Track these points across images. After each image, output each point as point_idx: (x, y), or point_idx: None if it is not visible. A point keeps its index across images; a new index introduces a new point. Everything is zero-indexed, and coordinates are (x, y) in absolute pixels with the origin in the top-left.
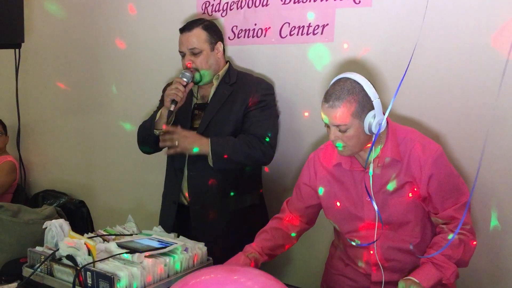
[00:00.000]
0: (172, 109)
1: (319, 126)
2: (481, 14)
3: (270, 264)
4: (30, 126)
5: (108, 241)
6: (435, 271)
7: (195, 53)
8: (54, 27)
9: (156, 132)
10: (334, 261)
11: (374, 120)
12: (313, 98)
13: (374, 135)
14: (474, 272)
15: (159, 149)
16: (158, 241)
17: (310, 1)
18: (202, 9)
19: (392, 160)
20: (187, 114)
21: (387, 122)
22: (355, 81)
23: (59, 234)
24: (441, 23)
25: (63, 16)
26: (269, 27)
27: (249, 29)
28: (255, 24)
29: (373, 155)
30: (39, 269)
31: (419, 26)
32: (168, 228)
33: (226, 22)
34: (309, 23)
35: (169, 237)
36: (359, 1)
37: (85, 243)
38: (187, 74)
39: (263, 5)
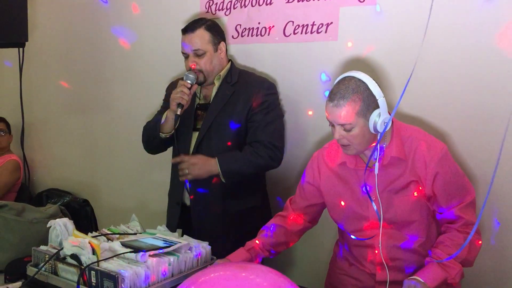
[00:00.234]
0: (178, 113)
1: (323, 125)
2: (487, 13)
3: (274, 263)
4: (34, 125)
5: (112, 240)
6: (440, 271)
7: (198, 55)
8: (57, 26)
9: (162, 135)
10: (338, 260)
11: (379, 119)
12: (317, 97)
13: (379, 134)
14: (479, 271)
15: (164, 149)
16: (162, 240)
17: None
18: (206, 8)
19: (396, 159)
20: (190, 115)
21: (392, 121)
22: (359, 80)
23: (63, 233)
24: (446, 22)
25: (66, 15)
26: (273, 26)
27: (252, 28)
28: (259, 23)
29: (378, 154)
30: (43, 268)
31: (424, 24)
32: (173, 228)
33: (229, 21)
34: (313, 22)
35: (173, 236)
36: (363, 0)
37: (89, 242)
38: (191, 76)
39: (267, 4)
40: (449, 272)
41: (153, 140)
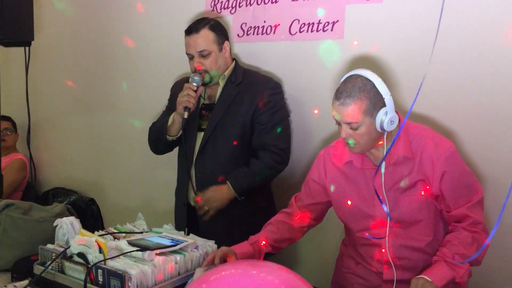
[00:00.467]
0: (185, 116)
1: (328, 123)
2: (496, 11)
3: (279, 261)
4: (39, 124)
5: (118, 239)
6: (448, 270)
7: (204, 55)
8: (63, 25)
9: (169, 138)
10: (345, 259)
11: (386, 117)
12: (323, 95)
13: (386, 133)
14: (487, 270)
15: (170, 149)
16: (169, 239)
17: None
18: (211, 7)
19: (404, 157)
20: (194, 115)
21: (399, 120)
22: (366, 78)
23: (70, 232)
24: (455, 20)
25: (72, 14)
26: (279, 24)
27: (258, 26)
28: (264, 21)
29: (385, 152)
30: (50, 267)
31: (430, 22)
32: (182, 228)
33: (235, 19)
34: (319, 20)
35: (179, 235)
36: None
37: (96, 241)
38: (197, 78)
39: (272, 2)
40: (457, 271)
41: (160, 142)
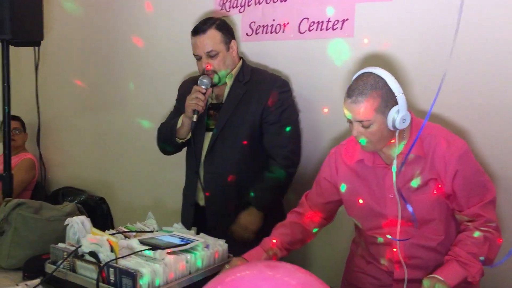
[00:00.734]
0: (194, 119)
1: (338, 122)
2: (505, 9)
3: (289, 261)
4: (49, 123)
5: (129, 238)
6: (460, 269)
7: (212, 56)
8: (72, 25)
9: (179, 140)
10: (355, 258)
11: (398, 115)
12: (332, 94)
13: (398, 131)
14: (499, 270)
15: (179, 151)
16: (179, 238)
17: None
18: (220, 6)
19: (415, 156)
20: (202, 115)
21: (411, 118)
22: (378, 76)
23: (81, 231)
24: (469, 18)
25: (80, 14)
26: (288, 23)
27: (267, 25)
28: (273, 20)
29: (396, 151)
30: (61, 265)
31: (442, 19)
32: (187, 227)
33: (244, 18)
34: (329, 18)
35: (190, 234)
36: None
37: (107, 240)
38: (205, 81)
39: (281, 1)
40: (469, 270)
41: (168, 144)
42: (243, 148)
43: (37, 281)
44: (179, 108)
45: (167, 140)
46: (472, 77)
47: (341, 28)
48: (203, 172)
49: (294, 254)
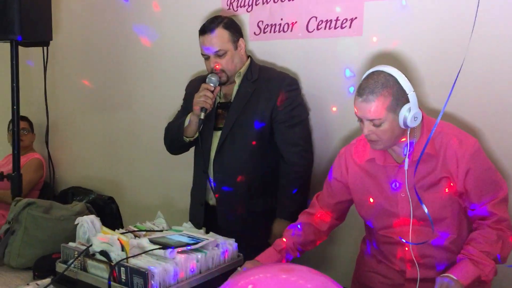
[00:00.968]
0: (202, 117)
1: (347, 121)
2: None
3: (300, 260)
4: (58, 123)
5: (139, 237)
6: (473, 268)
7: (220, 55)
8: (80, 25)
9: (186, 139)
10: (366, 257)
11: (410, 113)
12: (341, 93)
13: (409, 129)
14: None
15: (186, 150)
16: (189, 237)
17: None
18: (227, 5)
19: (427, 155)
20: (210, 114)
21: (422, 116)
22: (389, 74)
23: (91, 230)
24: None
25: (88, 14)
26: (296, 22)
27: (275, 24)
28: (281, 19)
29: (408, 149)
30: (72, 265)
31: (454, 18)
32: (196, 227)
33: (251, 17)
34: (337, 17)
35: (200, 233)
36: None
37: (118, 239)
38: (214, 78)
39: (289, 0)
40: (483, 269)
41: (176, 143)
42: (253, 147)
43: (47, 280)
44: (186, 107)
45: (174, 139)
46: (484, 75)
47: (349, 27)
48: (213, 171)
49: (305, 254)
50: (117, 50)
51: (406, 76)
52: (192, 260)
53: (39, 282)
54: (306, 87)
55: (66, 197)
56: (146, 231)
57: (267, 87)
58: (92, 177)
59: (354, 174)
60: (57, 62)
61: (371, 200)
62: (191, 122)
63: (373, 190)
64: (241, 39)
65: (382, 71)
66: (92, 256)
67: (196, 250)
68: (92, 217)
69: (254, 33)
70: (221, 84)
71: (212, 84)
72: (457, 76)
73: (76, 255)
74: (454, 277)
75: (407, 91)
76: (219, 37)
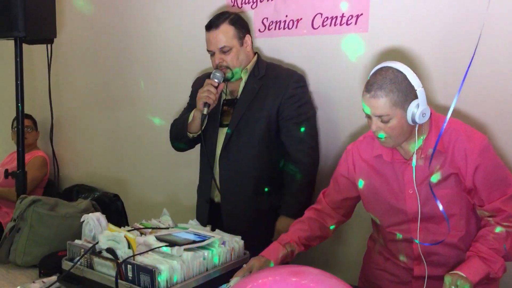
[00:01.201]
0: (205, 112)
1: (354, 118)
2: None
3: (305, 258)
4: (62, 121)
5: (145, 235)
6: (482, 265)
7: (225, 51)
8: (84, 23)
9: (190, 135)
10: (373, 255)
11: (418, 109)
12: (347, 90)
13: (417, 125)
14: None
15: (191, 147)
16: (195, 234)
17: None
18: (232, 2)
19: (436, 151)
20: (216, 111)
21: (430, 113)
22: (397, 70)
23: (97, 228)
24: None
25: (91, 12)
26: (301, 18)
27: (280, 21)
28: (286, 16)
29: (416, 146)
30: (79, 262)
31: (461, 13)
32: (202, 225)
33: (256, 14)
34: (343, 13)
35: (206, 231)
36: None
37: (125, 236)
38: (218, 74)
39: None
40: (492, 266)
41: (180, 139)
42: (259, 144)
43: (53, 278)
44: (192, 104)
45: (179, 135)
46: (492, 71)
47: (355, 23)
48: (219, 168)
49: (310, 251)
50: (122, 47)
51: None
52: (199, 258)
53: (45, 279)
54: (312, 84)
55: (71, 195)
56: (152, 228)
57: (275, 84)
58: (96, 174)
59: (361, 171)
60: (61, 59)
61: (379, 197)
62: (195, 117)
63: (381, 186)
64: (247, 35)
65: (390, 67)
66: (98, 254)
67: (203, 247)
68: (98, 214)
69: (259, 30)
70: (226, 80)
71: (216, 80)
72: (466, 72)
73: (82, 253)
74: (463, 274)
75: (416, 87)
76: (225, 33)
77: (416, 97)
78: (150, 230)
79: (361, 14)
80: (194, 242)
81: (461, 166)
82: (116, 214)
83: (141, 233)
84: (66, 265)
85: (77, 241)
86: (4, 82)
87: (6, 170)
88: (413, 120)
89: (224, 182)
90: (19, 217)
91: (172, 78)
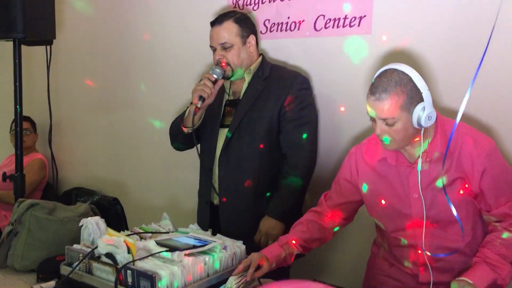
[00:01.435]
0: (199, 106)
1: (356, 121)
2: None
3: (309, 262)
4: (60, 123)
5: (145, 239)
6: (489, 272)
7: (226, 48)
8: (84, 24)
9: (184, 130)
10: (377, 261)
11: (424, 112)
12: (350, 93)
13: (423, 129)
14: None
15: (190, 146)
16: (196, 239)
17: None
18: (233, 3)
19: (441, 154)
20: (218, 111)
21: (436, 116)
22: (402, 72)
23: (96, 232)
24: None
25: (91, 14)
26: (303, 20)
27: (282, 23)
28: (288, 17)
29: (421, 149)
30: (78, 267)
31: (467, 15)
32: (202, 227)
33: (258, 16)
34: (345, 15)
35: (206, 235)
36: None
37: (124, 241)
38: (217, 70)
39: None
40: (499, 272)
41: (177, 135)
42: (260, 145)
43: (52, 283)
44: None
45: (175, 131)
46: (500, 74)
47: (358, 25)
48: (218, 169)
49: (313, 257)
50: (121, 49)
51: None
52: (200, 263)
53: (43, 285)
54: (314, 86)
55: (70, 198)
56: (152, 233)
57: (278, 85)
58: (95, 177)
59: (365, 175)
60: (60, 61)
61: (383, 202)
62: (190, 112)
63: (385, 191)
64: (251, 36)
65: (395, 69)
66: (97, 259)
67: (204, 252)
68: (97, 218)
69: (261, 31)
70: (225, 78)
71: (215, 76)
72: (476, 74)
73: (81, 258)
74: (470, 281)
75: (422, 90)
76: (227, 30)
77: (421, 100)
78: (150, 234)
79: (364, 16)
80: (195, 247)
81: (467, 170)
82: (116, 217)
83: (141, 238)
84: (64, 270)
85: (75, 246)
86: (3, 83)
87: (4, 173)
88: (419, 124)
89: (223, 183)
90: (17, 221)
91: (173, 80)
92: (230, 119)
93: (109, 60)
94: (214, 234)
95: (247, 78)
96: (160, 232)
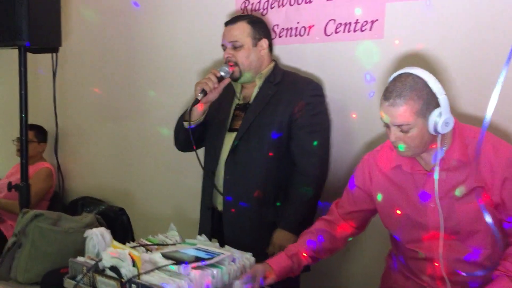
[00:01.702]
0: (200, 98)
1: (369, 127)
2: None
3: (318, 274)
4: (67, 132)
5: (151, 251)
6: (511, 286)
7: (236, 47)
8: (90, 31)
9: (185, 124)
10: (392, 273)
11: (440, 118)
12: (362, 98)
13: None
14: None
15: (190, 145)
16: (204, 251)
17: None
18: (241, 8)
19: (460, 161)
20: (227, 115)
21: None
22: (417, 76)
23: (101, 244)
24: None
25: (98, 21)
26: (313, 25)
27: (291, 28)
28: (298, 22)
29: (438, 157)
30: (81, 281)
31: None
32: (204, 233)
33: (266, 21)
34: (357, 20)
35: (214, 247)
36: None
37: (129, 254)
38: (225, 68)
39: (306, 2)
40: None
41: (179, 131)
42: (268, 152)
43: None
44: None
45: (178, 127)
46: None
47: (370, 30)
48: (224, 173)
49: (323, 266)
50: (128, 56)
51: None
52: (208, 276)
53: None
54: (326, 92)
55: (76, 208)
56: (158, 245)
57: (290, 90)
58: (102, 186)
59: (379, 183)
60: (66, 69)
61: (399, 212)
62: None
63: (400, 200)
64: (264, 39)
65: (410, 73)
66: (101, 272)
67: (212, 265)
68: (102, 229)
69: None
70: (233, 79)
71: (222, 73)
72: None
73: (84, 271)
74: None
75: (438, 95)
76: (239, 29)
77: (438, 105)
78: (156, 246)
79: (376, 20)
80: (202, 259)
81: (487, 179)
82: (122, 228)
83: (147, 250)
84: (68, 283)
85: (79, 258)
86: (8, 92)
87: (10, 183)
88: (435, 130)
89: (228, 187)
90: (21, 232)
91: (180, 89)
92: (239, 123)
93: (116, 68)
94: (221, 244)
95: (258, 83)
96: (166, 244)
